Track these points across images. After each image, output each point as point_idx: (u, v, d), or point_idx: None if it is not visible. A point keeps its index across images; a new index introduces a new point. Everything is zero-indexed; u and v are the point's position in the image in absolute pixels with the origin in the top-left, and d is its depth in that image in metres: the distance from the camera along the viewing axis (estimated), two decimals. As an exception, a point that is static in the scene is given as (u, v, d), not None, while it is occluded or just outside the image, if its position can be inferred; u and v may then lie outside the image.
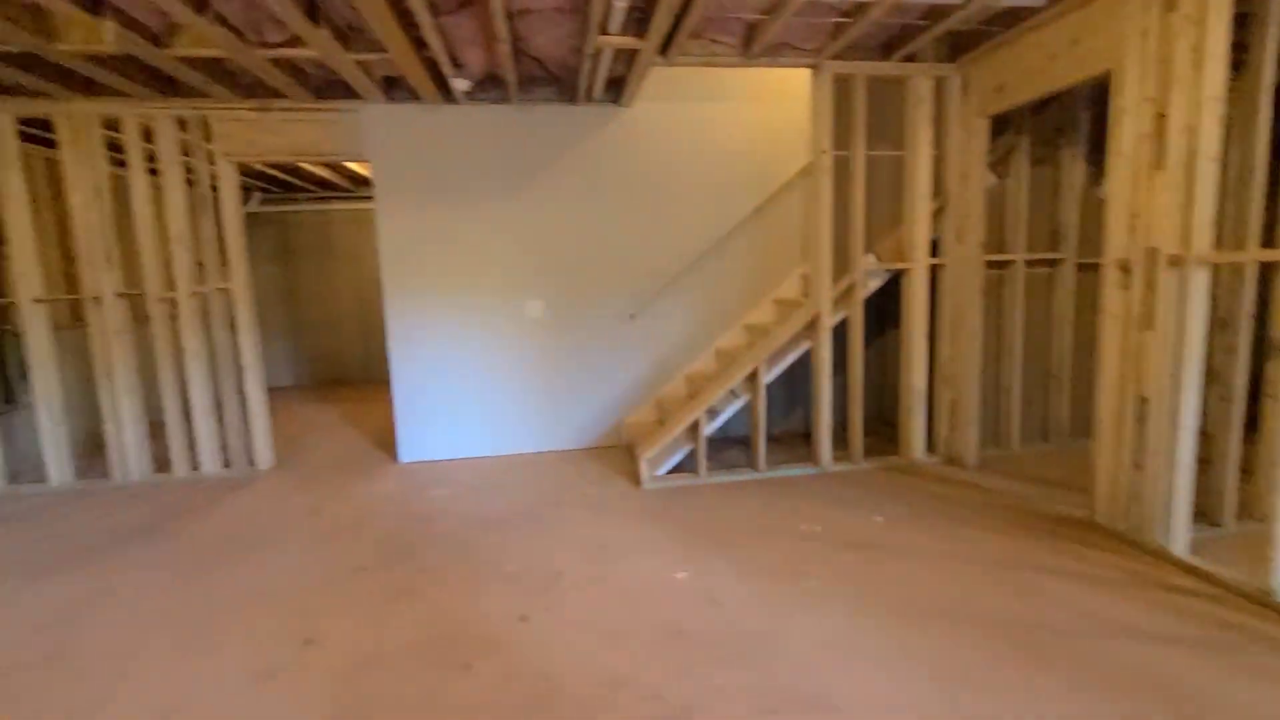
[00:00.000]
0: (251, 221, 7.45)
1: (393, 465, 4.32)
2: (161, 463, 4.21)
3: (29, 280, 3.88)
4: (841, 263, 3.85)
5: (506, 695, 1.93)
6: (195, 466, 4.17)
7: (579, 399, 4.50)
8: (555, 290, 4.38)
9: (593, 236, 4.38)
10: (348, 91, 3.94)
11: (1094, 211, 4.10)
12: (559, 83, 4.10)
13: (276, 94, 3.86)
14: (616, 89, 4.13)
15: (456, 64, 3.55)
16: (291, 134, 3.99)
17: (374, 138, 4.06)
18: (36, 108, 3.72)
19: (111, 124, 3.92)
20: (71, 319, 4.79)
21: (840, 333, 3.89)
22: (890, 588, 2.50)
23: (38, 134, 4.20)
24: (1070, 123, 3.94)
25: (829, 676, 1.98)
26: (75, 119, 3.77)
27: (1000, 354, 4.09)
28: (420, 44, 3.24)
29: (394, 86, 3.97)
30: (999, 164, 3.89)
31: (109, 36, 2.74)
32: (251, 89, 3.84)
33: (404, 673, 2.05)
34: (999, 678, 1.94)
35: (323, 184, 7.07)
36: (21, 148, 3.87)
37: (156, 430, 4.31)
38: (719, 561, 2.76)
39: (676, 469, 3.88)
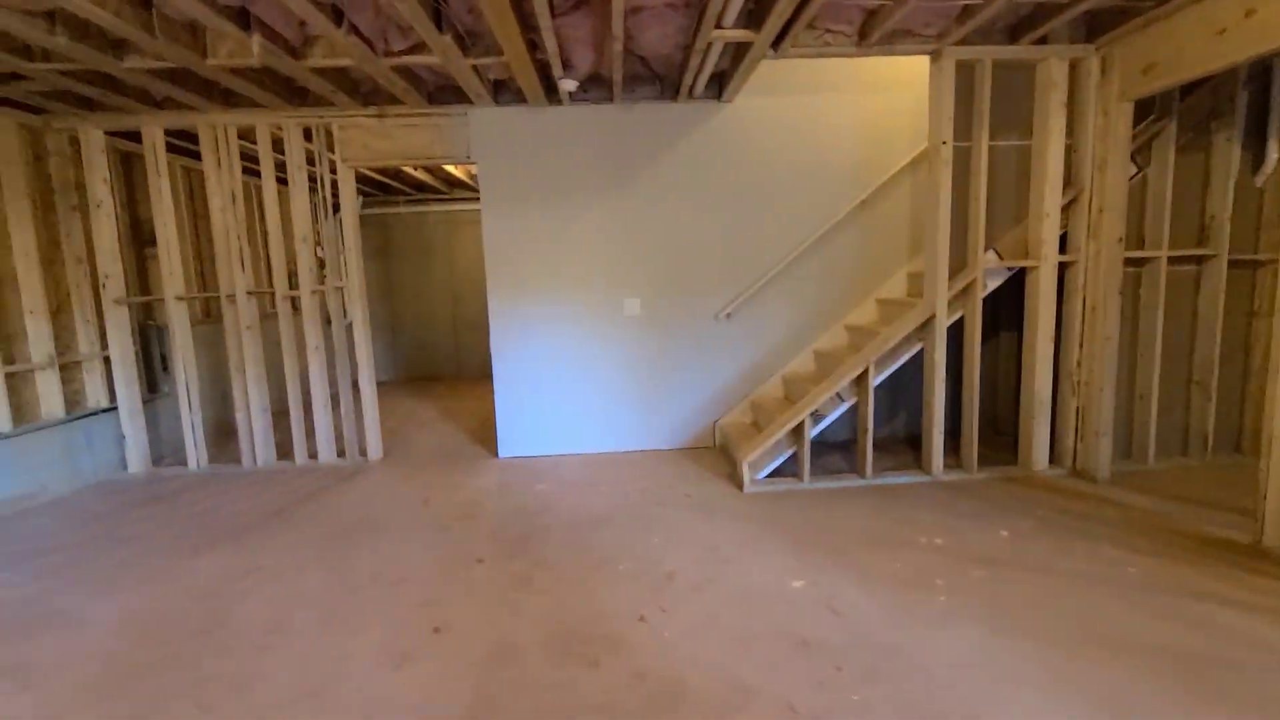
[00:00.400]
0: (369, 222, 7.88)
1: (492, 460, 4.43)
2: (282, 451, 4.50)
3: (174, 279, 4.23)
4: (957, 260, 3.65)
5: (635, 695, 1.92)
6: (312, 455, 4.42)
7: (672, 399, 4.48)
8: (652, 289, 4.37)
9: (690, 234, 4.34)
10: (458, 96, 4.06)
11: (1249, 203, 3.70)
12: (661, 80, 4.08)
13: (393, 100, 4.03)
14: (718, 85, 4.08)
15: (566, 65, 3.59)
16: (405, 139, 4.16)
17: (481, 140, 4.17)
18: (184, 120, 4.03)
19: (245, 134, 4.21)
20: (204, 315, 5.19)
21: (952, 334, 3.69)
22: (1028, 608, 2.33)
23: (179, 144, 4.57)
24: (1225, 104, 3.57)
25: (975, 698, 1.86)
26: (215, 129, 4.07)
27: (1136, 359, 3.76)
28: (533, 46, 3.30)
29: (501, 90, 4.07)
30: (1139, 152, 3.58)
31: (255, 50, 2.93)
32: (370, 97, 4.03)
33: (535, 667, 2.07)
34: (1178, 715, 1.76)
35: (420, 187, 7.37)
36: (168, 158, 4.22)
37: (277, 420, 4.61)
38: (835, 570, 2.66)
39: (776, 473, 3.78)
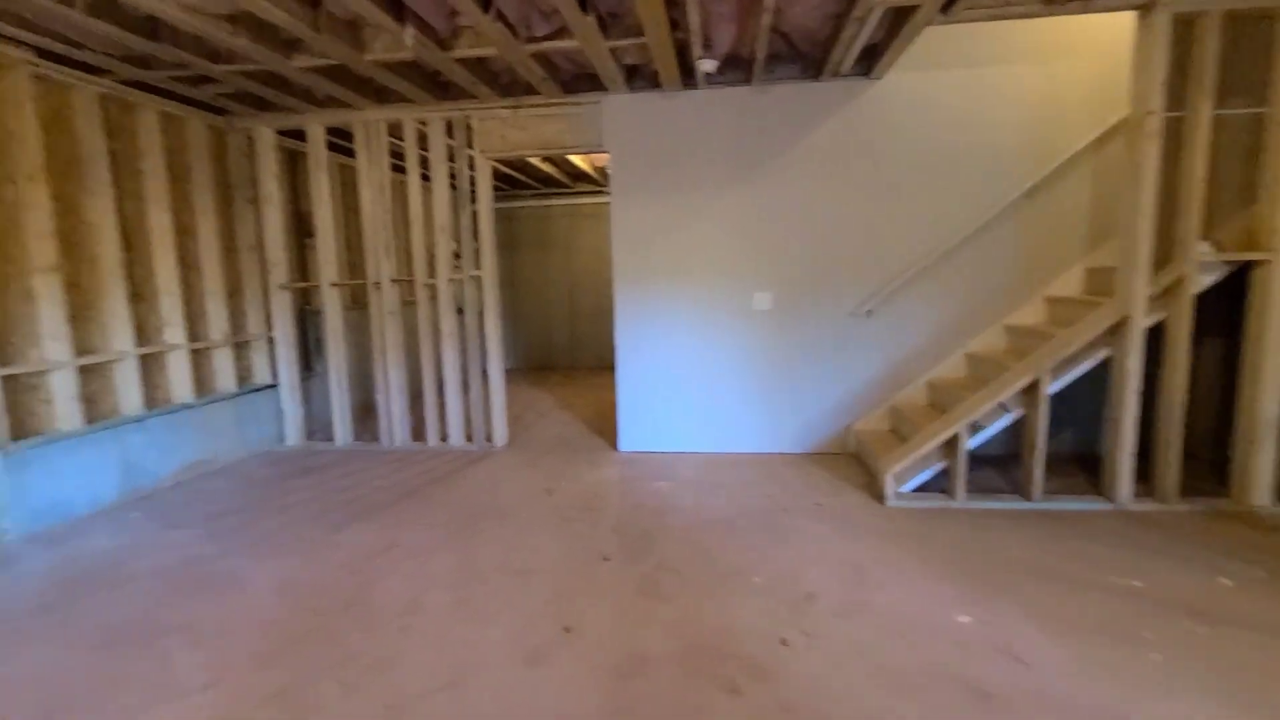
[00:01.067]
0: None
1: (612, 452, 4.38)
2: (416, 432, 4.70)
3: (329, 266, 4.52)
4: (1157, 253, 3.09)
5: (784, 731, 1.73)
6: (443, 438, 4.59)
7: (802, 400, 4.20)
8: (785, 282, 4.11)
9: (828, 224, 4.03)
10: (592, 84, 4.01)
11: None
12: (803, 58, 3.80)
13: (529, 90, 4.05)
14: (868, 60, 3.73)
15: (706, 44, 3.41)
16: (539, 129, 4.18)
17: (613, 128, 4.10)
18: (341, 117, 4.29)
19: (393, 130, 4.42)
20: (353, 302, 5.56)
21: (1151, 340, 3.14)
22: (1276, 682, 1.88)
23: (335, 142, 4.89)
24: None
25: (1221, 796, 1.49)
26: (368, 126, 4.30)
27: (1405, 377, 3.02)
28: (673, 25, 3.15)
29: (635, 75, 3.97)
30: None
31: (409, 41, 3.00)
32: (508, 88, 4.07)
33: (669, 684, 1.94)
34: None
35: (544, 180, 7.51)
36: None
37: (413, 403, 4.82)
38: (1008, 607, 2.31)
39: (923, 487, 3.41)
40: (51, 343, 3.25)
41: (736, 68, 3.86)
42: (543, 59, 3.63)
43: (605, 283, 8.13)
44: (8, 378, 3.08)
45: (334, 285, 4.55)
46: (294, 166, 5.03)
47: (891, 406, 4.08)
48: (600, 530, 3.07)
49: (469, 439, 4.57)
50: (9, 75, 3.09)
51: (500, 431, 4.54)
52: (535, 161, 6.30)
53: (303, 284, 4.83)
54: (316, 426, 5.08)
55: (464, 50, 3.33)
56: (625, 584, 2.54)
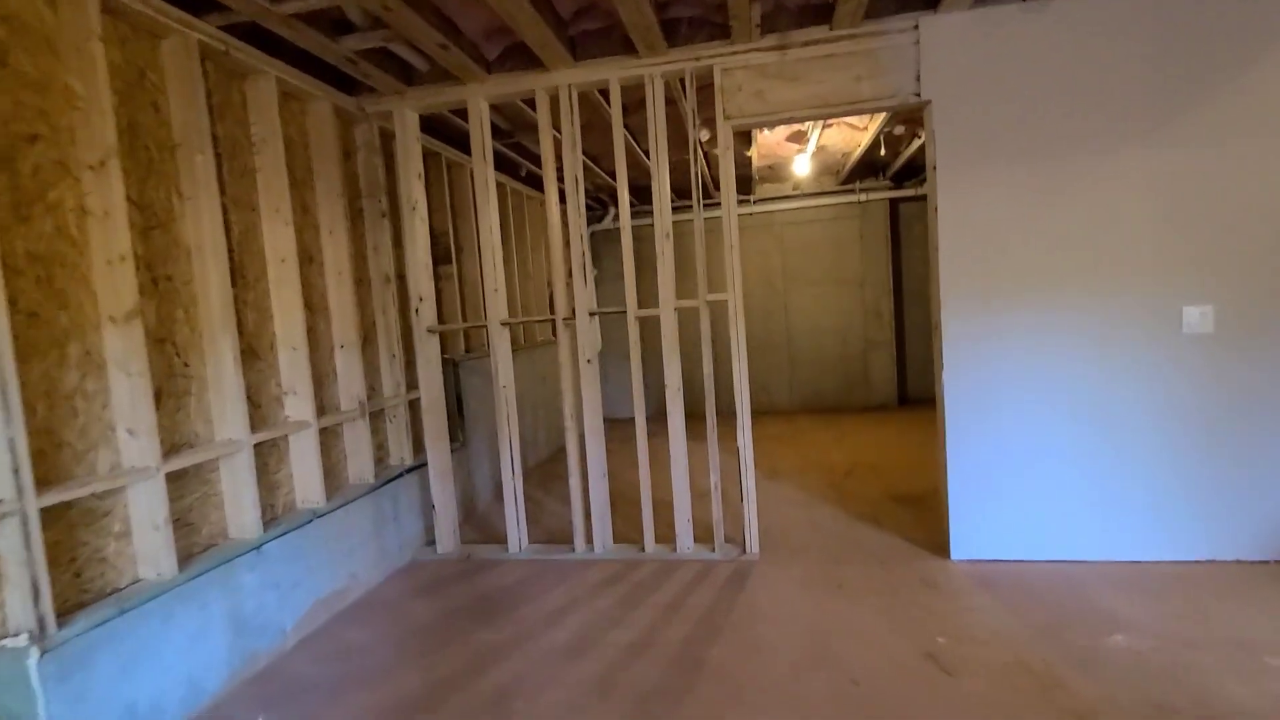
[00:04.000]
0: (604, 238, 6.90)
1: (944, 563, 2.85)
2: (619, 530, 3.29)
3: (497, 299, 3.20)
4: None
5: None
6: (665, 540, 3.15)
7: (1270, 474, 2.61)
8: (1236, 290, 2.56)
9: (1306, 193, 2.50)
10: (900, 3, 2.64)
11: None
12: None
13: (803, 18, 2.70)
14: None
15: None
16: (818, 78, 2.79)
17: (938, 67, 2.68)
18: (515, 85, 3.00)
19: (585, 99, 3.12)
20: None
21: None
22: None
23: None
24: None
25: None
26: (557, 92, 2.99)
27: None
28: None
29: (982, -21, 2.57)
30: None
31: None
32: (772, 19, 2.72)
33: None
34: None
35: (678, 193, 6.18)
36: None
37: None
38: None
39: None
40: (129, 438, 1.96)
41: (1154, -47, 2.43)
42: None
43: (821, 310, 6.72)
44: (55, 508, 1.77)
45: (504, 324, 3.22)
46: (428, 177, 3.78)
47: None
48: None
49: (703, 540, 3.12)
50: (70, 6, 1.88)
51: (753, 530, 3.07)
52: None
53: (460, 324, 3.53)
54: (470, 517, 3.72)
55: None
56: None
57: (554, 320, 3.16)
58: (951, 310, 2.77)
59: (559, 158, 3.07)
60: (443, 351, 3.75)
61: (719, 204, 3.24)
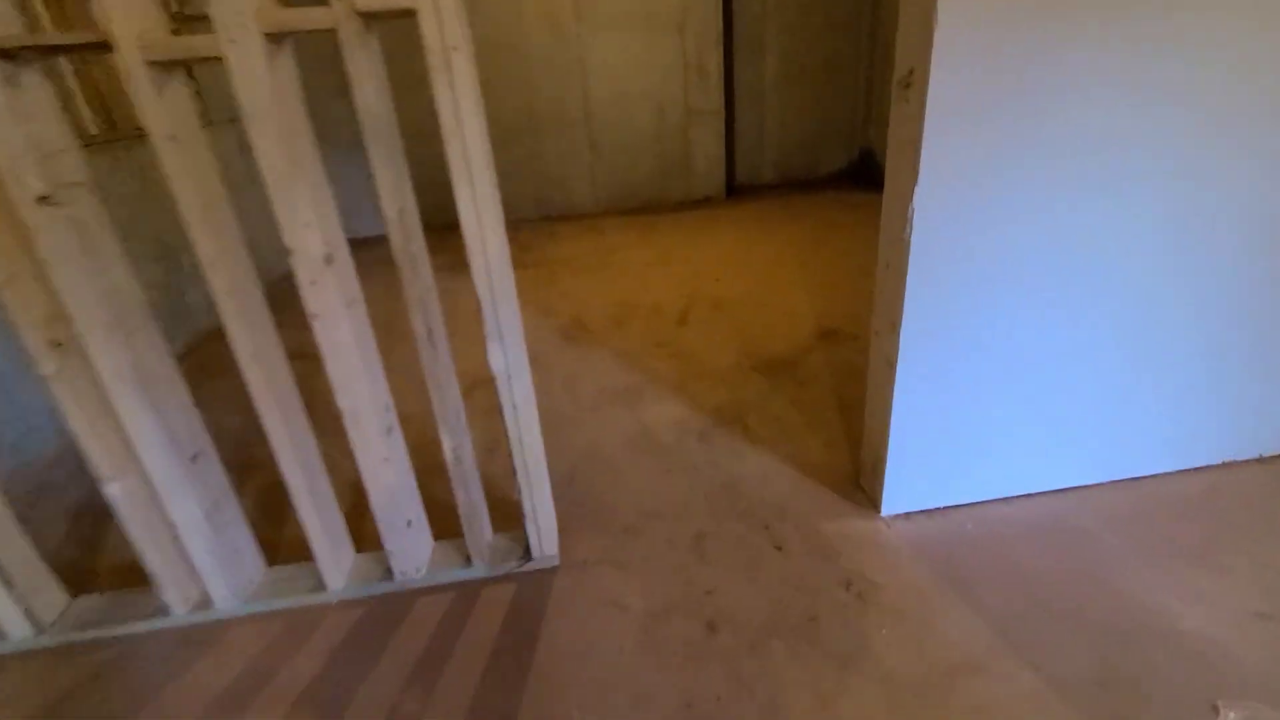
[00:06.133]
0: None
1: (880, 526, 1.63)
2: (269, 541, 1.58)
3: None
4: None
5: None
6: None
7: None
8: None
9: None
10: None
11: None
12: None
13: None
14: None
15: None
16: None
17: None
18: None
19: None
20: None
21: None
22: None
23: None
24: None
25: None
26: None
27: None
28: None
29: None
30: None
31: None
32: None
33: None
34: None
35: None
36: None
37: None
38: None
39: None
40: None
41: None
42: None
43: (629, 67, 4.66)
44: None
45: None
46: None
47: None
48: None
49: (447, 535, 1.56)
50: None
51: (544, 505, 1.55)
52: None
53: None
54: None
55: None
56: None
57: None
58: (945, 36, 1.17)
59: None
60: None
61: None
